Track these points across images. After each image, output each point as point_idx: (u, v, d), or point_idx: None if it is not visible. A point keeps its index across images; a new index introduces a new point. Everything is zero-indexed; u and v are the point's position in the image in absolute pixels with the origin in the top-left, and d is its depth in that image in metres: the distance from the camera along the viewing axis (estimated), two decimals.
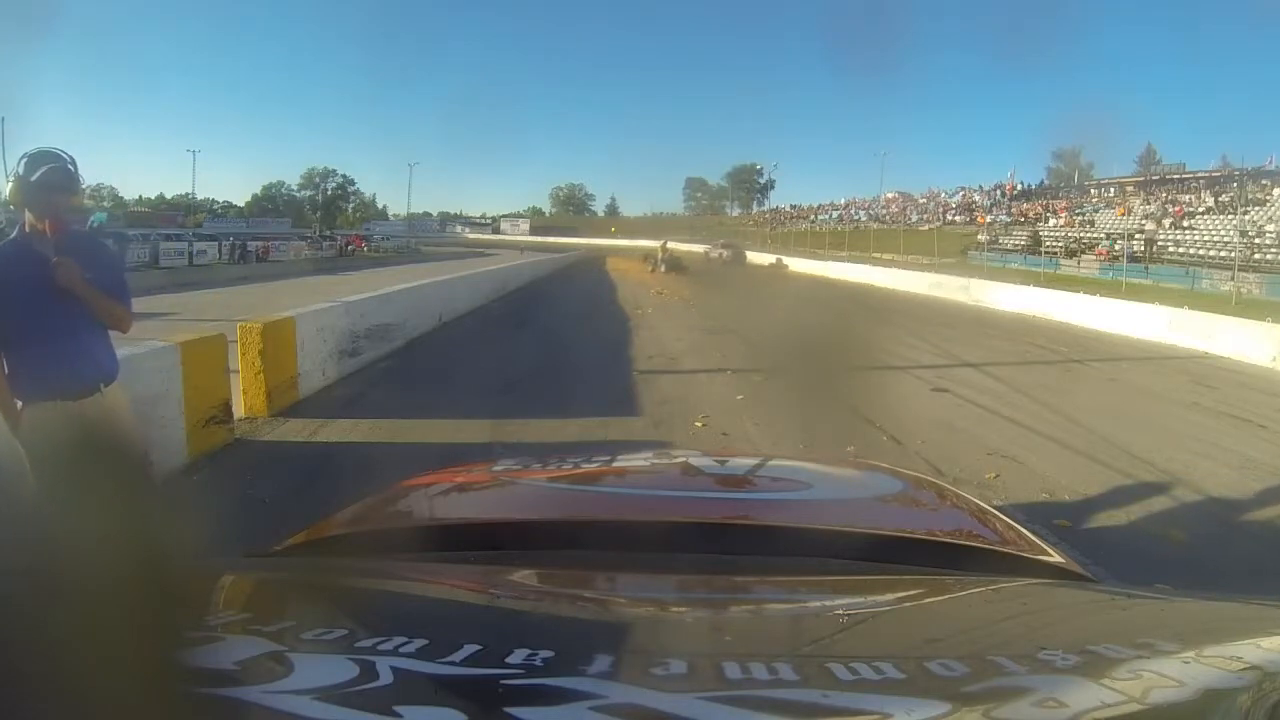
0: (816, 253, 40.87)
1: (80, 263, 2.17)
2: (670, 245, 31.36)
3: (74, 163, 2.21)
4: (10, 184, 2.16)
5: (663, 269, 27.84)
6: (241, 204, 74.48)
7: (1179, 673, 0.54)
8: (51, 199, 2.14)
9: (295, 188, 78.23)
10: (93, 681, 0.49)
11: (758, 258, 38.30)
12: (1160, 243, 31.61)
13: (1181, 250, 30.28)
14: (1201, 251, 29.18)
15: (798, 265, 34.57)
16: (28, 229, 2.18)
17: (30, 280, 2.12)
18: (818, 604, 0.88)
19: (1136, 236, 31.96)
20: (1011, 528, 1.23)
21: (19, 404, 2.15)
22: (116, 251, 2.40)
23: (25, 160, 2.13)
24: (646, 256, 31.67)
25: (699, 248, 42.56)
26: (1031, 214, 44.43)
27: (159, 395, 3.89)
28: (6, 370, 2.14)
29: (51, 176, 2.14)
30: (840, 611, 0.84)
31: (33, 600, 0.63)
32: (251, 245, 31.56)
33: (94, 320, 2.23)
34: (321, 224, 64.71)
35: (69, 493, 1.93)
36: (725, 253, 37.75)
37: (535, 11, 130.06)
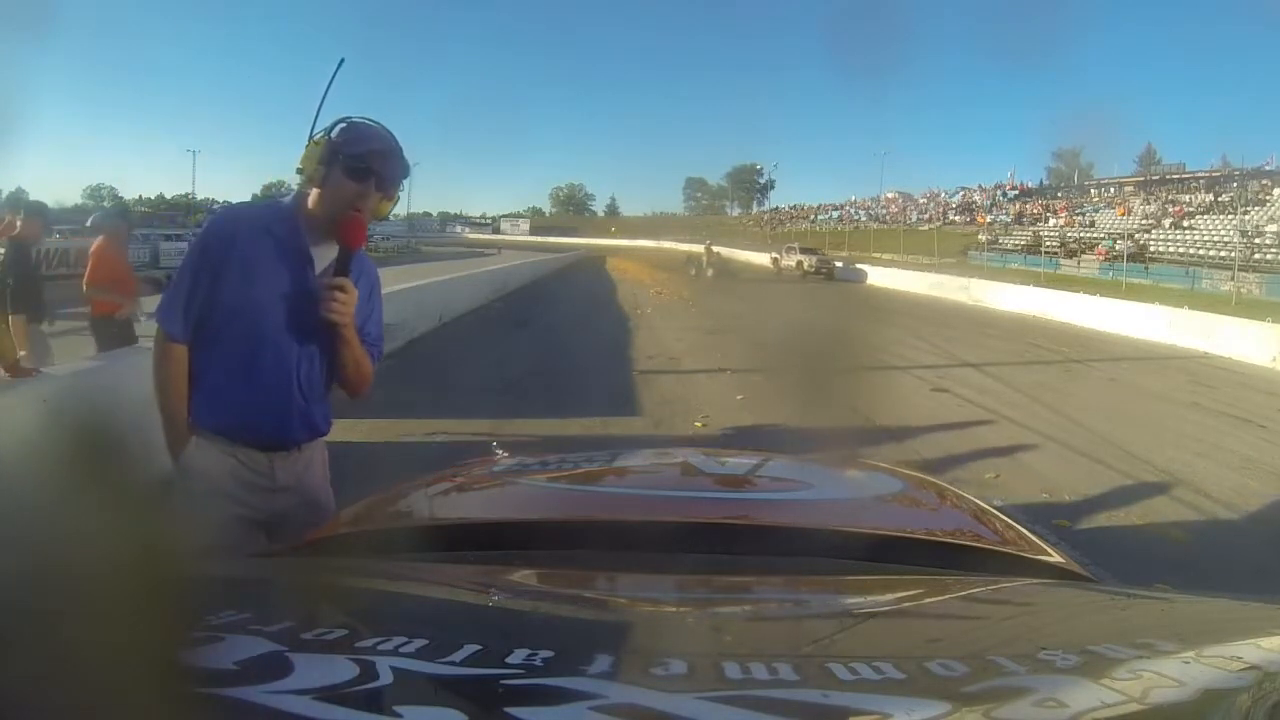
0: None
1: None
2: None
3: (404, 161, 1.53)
4: (314, 145, 1.45)
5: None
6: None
7: (1179, 673, 0.54)
8: (364, 188, 1.44)
9: (295, 188, 77.99)
10: (94, 681, 0.49)
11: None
12: (1151, 246, 31.52)
13: (1181, 250, 30.29)
14: (1201, 251, 29.19)
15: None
16: (310, 206, 1.49)
17: (281, 283, 1.45)
18: (818, 604, 0.88)
19: (1136, 237, 31.96)
20: (1011, 528, 1.23)
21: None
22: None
23: (344, 125, 1.47)
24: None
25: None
26: (1031, 214, 44.47)
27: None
28: (190, 384, 1.48)
29: (386, 161, 1.46)
30: (840, 611, 0.84)
31: (36, 601, 0.63)
32: None
33: (332, 370, 1.53)
34: None
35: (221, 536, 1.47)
36: (807, 260, 28.32)
37: (535, 11, 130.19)
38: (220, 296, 1.43)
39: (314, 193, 1.48)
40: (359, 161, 1.43)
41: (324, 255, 1.48)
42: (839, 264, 29.11)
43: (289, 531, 1.48)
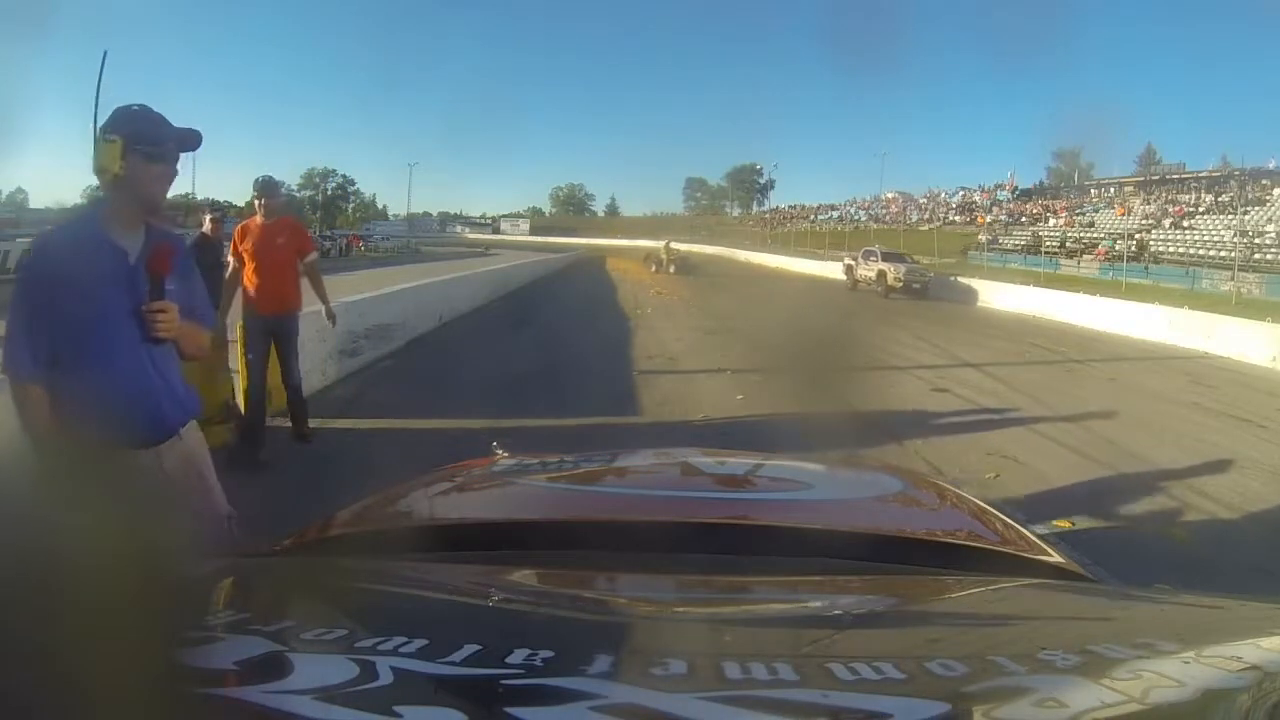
0: (816, 252, 39.81)
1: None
2: (674, 245, 29.39)
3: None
4: (109, 144, 1.53)
5: (670, 270, 25.94)
6: (241, 204, 74.31)
7: (1179, 673, 0.54)
8: (169, 170, 1.61)
9: (295, 188, 77.85)
10: (93, 681, 0.49)
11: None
12: (1151, 246, 31.48)
13: (1181, 250, 30.28)
14: (1201, 251, 29.19)
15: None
16: (109, 211, 1.62)
17: (104, 284, 1.57)
18: (818, 604, 0.88)
19: (1136, 237, 31.95)
20: (1011, 528, 1.23)
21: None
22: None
23: (129, 117, 1.58)
24: (648, 256, 29.72)
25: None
26: (1031, 214, 44.47)
27: None
28: (54, 398, 1.53)
29: (182, 140, 1.63)
30: (840, 611, 0.84)
31: (34, 601, 0.63)
32: None
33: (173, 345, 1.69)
34: (321, 224, 64.56)
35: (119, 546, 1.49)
36: (892, 270, 20.13)
37: (535, 11, 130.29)
38: (61, 322, 1.52)
39: (114, 194, 1.59)
40: (158, 147, 1.57)
41: (131, 243, 1.61)
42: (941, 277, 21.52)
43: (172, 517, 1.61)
